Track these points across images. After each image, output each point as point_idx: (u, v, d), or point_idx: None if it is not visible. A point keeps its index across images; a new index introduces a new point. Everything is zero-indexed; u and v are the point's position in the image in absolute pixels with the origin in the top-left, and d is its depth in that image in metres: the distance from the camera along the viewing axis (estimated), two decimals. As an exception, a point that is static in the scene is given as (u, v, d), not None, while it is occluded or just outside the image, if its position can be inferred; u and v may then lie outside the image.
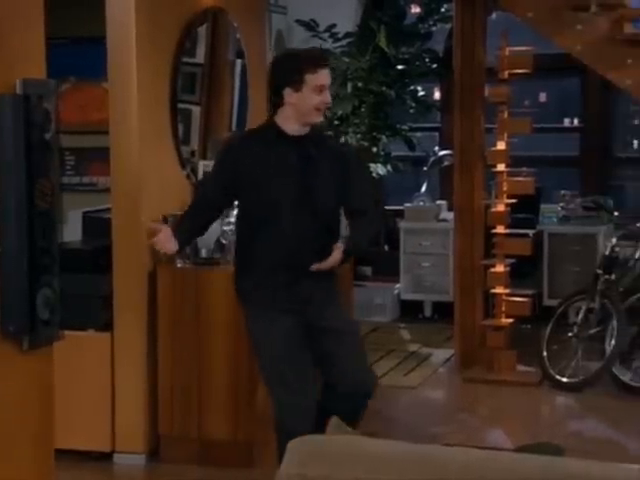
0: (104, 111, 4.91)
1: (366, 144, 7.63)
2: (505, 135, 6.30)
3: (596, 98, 8.46)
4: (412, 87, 7.80)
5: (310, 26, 7.58)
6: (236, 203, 4.04)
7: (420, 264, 8.00)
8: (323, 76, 3.71)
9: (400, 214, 8.12)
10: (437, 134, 8.78)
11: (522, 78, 6.46)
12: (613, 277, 6.19)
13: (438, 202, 8.21)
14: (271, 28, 7.34)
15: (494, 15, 7.65)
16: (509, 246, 6.33)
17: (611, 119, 8.81)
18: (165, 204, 4.81)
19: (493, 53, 6.36)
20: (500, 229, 6.32)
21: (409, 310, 8.07)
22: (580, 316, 6.20)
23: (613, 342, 5.93)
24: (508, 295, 6.39)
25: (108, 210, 4.89)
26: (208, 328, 4.64)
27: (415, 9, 7.79)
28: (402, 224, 8.06)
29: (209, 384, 4.64)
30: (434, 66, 7.75)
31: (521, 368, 6.37)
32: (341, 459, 2.23)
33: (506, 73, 6.22)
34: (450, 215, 7.29)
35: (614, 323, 5.98)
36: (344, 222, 4.07)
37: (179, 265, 4.77)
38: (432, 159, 8.20)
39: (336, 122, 7.59)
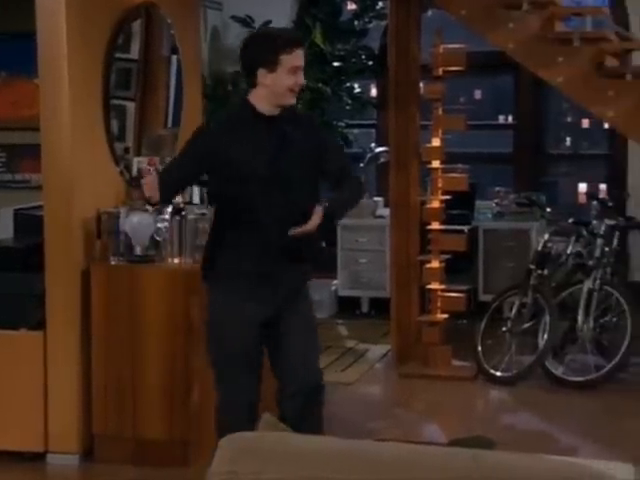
0: (35, 107, 4.84)
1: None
2: (440, 132, 6.35)
3: (529, 95, 8.57)
4: (348, 84, 7.82)
5: (246, 22, 7.56)
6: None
7: (357, 260, 8.03)
8: (298, 57, 3.64)
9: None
10: (374, 131, 8.83)
11: (457, 75, 6.52)
12: (545, 272, 6.28)
13: (375, 198, 8.25)
14: (206, 24, 7.31)
15: (429, 12, 7.71)
16: (444, 242, 6.39)
17: (544, 116, 8.93)
18: (98, 201, 4.77)
19: (428, 50, 6.40)
20: (435, 225, 6.37)
21: (346, 306, 8.10)
22: (514, 311, 6.28)
23: (546, 336, 6.02)
24: (443, 291, 6.45)
25: (40, 207, 4.83)
26: (143, 326, 4.61)
27: (351, 6, 7.81)
28: (339, 221, 8.05)
29: (144, 383, 4.60)
30: (370, 63, 7.78)
31: (456, 363, 6.43)
32: (272, 456, 2.23)
33: (440, 70, 6.27)
34: (386, 211, 7.33)
35: (546, 318, 6.06)
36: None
37: (113, 263, 4.73)
38: (368, 156, 8.23)
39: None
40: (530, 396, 5.84)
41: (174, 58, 5.76)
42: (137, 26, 5.36)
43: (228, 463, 2.24)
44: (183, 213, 4.73)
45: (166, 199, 3.96)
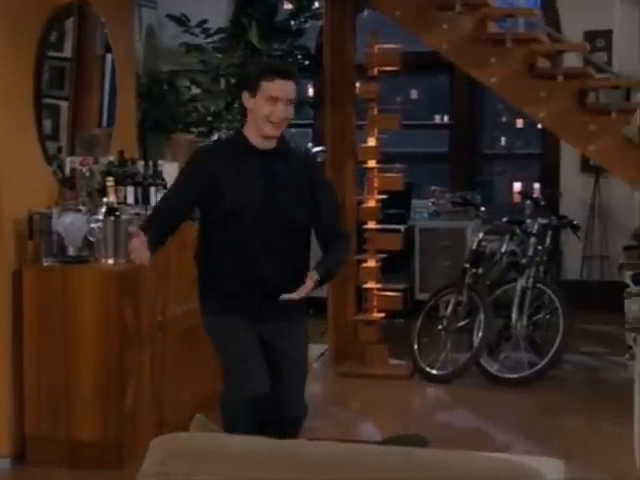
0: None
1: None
2: (375, 131, 6.38)
3: (464, 96, 8.66)
4: (284, 83, 7.80)
5: (181, 21, 7.52)
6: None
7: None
8: (279, 87, 3.52)
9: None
10: (310, 130, 8.84)
11: (393, 75, 6.55)
12: (480, 271, 6.35)
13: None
14: (141, 22, 7.25)
15: (365, 13, 7.75)
16: (380, 241, 6.42)
17: (479, 116, 9.03)
18: (30, 201, 4.69)
19: (364, 50, 6.43)
20: (372, 224, 6.40)
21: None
22: (449, 309, 6.34)
23: (480, 334, 6.08)
24: (380, 290, 6.48)
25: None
26: (76, 327, 4.55)
27: (287, 6, 7.81)
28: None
29: (77, 384, 4.55)
30: (306, 63, 7.79)
31: (393, 361, 6.47)
32: (203, 457, 2.22)
33: (375, 70, 6.29)
34: (323, 211, 7.32)
35: (481, 316, 6.12)
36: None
37: (45, 264, 4.66)
38: (305, 155, 8.23)
39: (209, 118, 7.54)
40: (465, 393, 5.90)
41: (108, 57, 5.70)
42: (70, 24, 5.29)
43: (159, 464, 2.22)
44: (117, 213, 4.68)
45: (157, 248, 3.74)
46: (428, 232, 7.96)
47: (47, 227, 4.66)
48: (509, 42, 5.83)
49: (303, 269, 3.67)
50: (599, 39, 7.46)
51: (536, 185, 8.84)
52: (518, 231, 6.55)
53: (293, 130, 8.56)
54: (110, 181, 4.69)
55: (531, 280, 6.21)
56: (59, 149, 5.24)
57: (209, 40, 7.53)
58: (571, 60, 6.72)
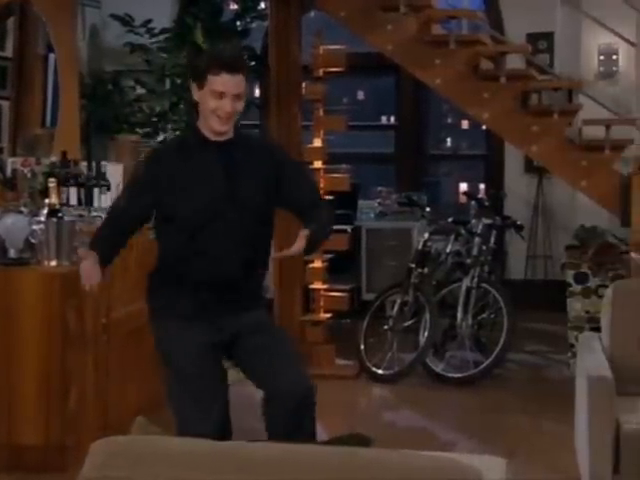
0: None
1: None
2: (321, 132, 6.39)
3: (410, 97, 8.71)
4: (231, 84, 7.78)
5: (125, 21, 7.46)
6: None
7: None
8: (224, 82, 3.33)
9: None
10: (257, 131, 8.83)
11: (339, 76, 6.57)
12: (426, 271, 6.38)
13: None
14: (84, 22, 7.18)
15: (312, 13, 7.75)
16: (327, 241, 6.41)
17: (425, 117, 9.08)
18: (-30, 203, 4.63)
19: (310, 51, 6.44)
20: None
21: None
22: (395, 309, 6.37)
23: (426, 334, 6.12)
24: (326, 290, 6.49)
25: None
26: (18, 330, 4.48)
27: (232, 6, 7.79)
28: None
29: (19, 387, 4.48)
30: (252, 63, 7.77)
31: (340, 362, 6.48)
32: (143, 459, 2.20)
33: (321, 71, 6.30)
34: (270, 212, 7.31)
35: (427, 315, 6.16)
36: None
37: (-14, 266, 4.59)
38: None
39: (154, 119, 7.50)
40: (411, 393, 5.93)
41: (51, 57, 5.64)
42: (11, 24, 5.23)
43: (99, 467, 2.20)
44: (59, 215, 4.62)
45: (109, 261, 3.60)
46: (374, 232, 7.99)
47: (-12, 229, 4.59)
48: (453, 44, 5.89)
49: (265, 260, 3.59)
50: (541, 41, 7.55)
51: (482, 186, 8.93)
52: (463, 231, 6.61)
53: (240, 131, 8.55)
54: (52, 182, 4.63)
55: (476, 280, 6.27)
56: (0, 150, 5.18)
57: (154, 40, 7.49)
58: (514, 62, 6.80)
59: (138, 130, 7.39)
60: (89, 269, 3.43)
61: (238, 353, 3.59)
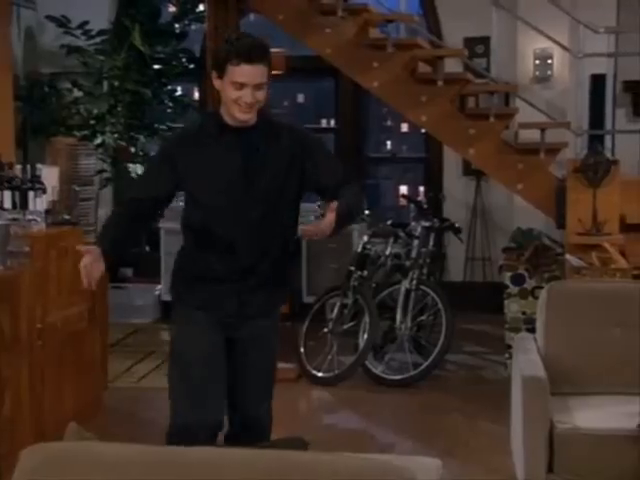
0: None
1: (124, 144, 7.52)
2: (260, 135, 6.37)
3: (350, 100, 8.73)
4: (170, 87, 7.75)
5: (61, 22, 7.38)
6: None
7: (179, 265, 7.96)
8: (244, 72, 3.25)
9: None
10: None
11: (280, 79, 6.55)
12: (365, 273, 6.41)
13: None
14: (20, 23, 7.09)
15: (252, 16, 7.75)
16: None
17: (365, 120, 9.12)
18: None
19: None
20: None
21: (170, 311, 8.00)
22: (335, 312, 6.38)
23: (366, 336, 6.13)
24: (266, 293, 6.46)
25: None
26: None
27: (171, 8, 7.75)
28: (162, 225, 7.99)
29: (-48, 395, 4.41)
30: (191, 66, 7.74)
31: (280, 365, 6.41)
32: (76, 465, 2.18)
33: (260, 74, 6.29)
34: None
35: (367, 318, 6.18)
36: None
37: None
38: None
39: (92, 121, 7.43)
40: (351, 395, 5.94)
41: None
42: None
43: (29, 474, 2.18)
44: (-7, 218, 4.56)
45: (119, 253, 3.56)
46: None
47: None
48: (390, 47, 5.93)
49: (287, 248, 3.52)
50: (478, 45, 7.63)
51: (421, 188, 8.99)
52: (402, 234, 6.64)
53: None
54: (-15, 186, 4.57)
55: (415, 282, 6.30)
56: None
57: (91, 42, 7.42)
58: (452, 66, 6.86)
59: (76, 133, 7.32)
60: (89, 266, 3.34)
61: (229, 355, 3.56)
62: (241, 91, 3.27)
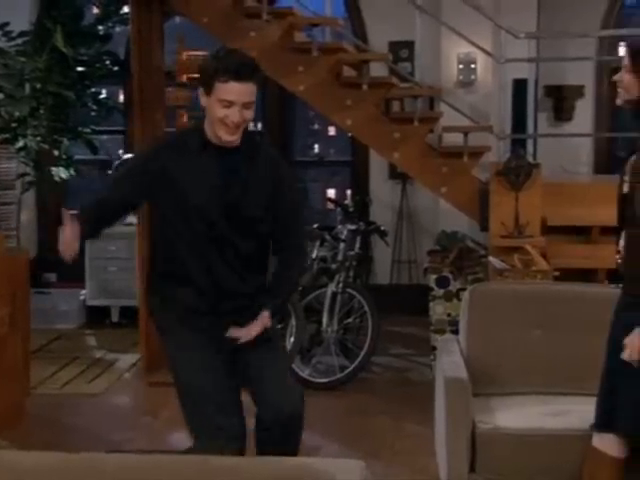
0: None
1: (47, 147, 7.41)
2: (185, 139, 6.33)
3: (277, 103, 8.72)
4: (94, 89, 7.66)
5: (-21, 24, 7.24)
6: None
7: (106, 269, 7.90)
8: (233, 91, 3.19)
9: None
10: (122, 137, 8.71)
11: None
12: (292, 276, 6.40)
13: (123, 206, 8.11)
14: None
15: (177, 19, 7.70)
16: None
17: (291, 123, 9.12)
18: None
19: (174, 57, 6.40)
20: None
21: (96, 316, 7.95)
22: (261, 315, 6.35)
23: (293, 339, 6.13)
24: (192, 297, 6.43)
25: None
26: None
27: (94, 10, 7.65)
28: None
29: None
30: (115, 69, 7.66)
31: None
32: (-10, 474, 2.15)
33: (184, 77, 6.27)
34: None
35: (293, 321, 6.18)
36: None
37: None
38: (116, 162, 8.11)
39: (14, 124, 7.30)
40: (277, 399, 5.92)
41: None
42: None
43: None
44: None
45: (90, 236, 3.43)
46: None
47: None
48: (315, 51, 5.95)
49: (262, 273, 3.48)
50: (403, 49, 7.70)
51: (348, 191, 9.03)
52: (328, 237, 6.66)
53: (105, 137, 8.43)
54: None
55: (341, 285, 6.32)
56: None
57: (12, 43, 7.29)
58: (378, 70, 6.91)
59: (-4, 136, 7.19)
60: (69, 238, 3.17)
61: (239, 365, 3.49)
62: (229, 109, 3.21)
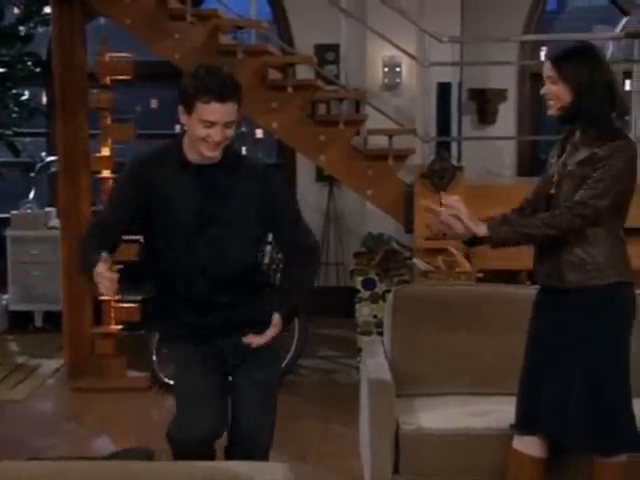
0: None
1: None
2: (109, 141, 6.27)
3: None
4: (15, 91, 7.53)
5: None
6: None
7: (30, 273, 7.78)
8: (215, 111, 3.17)
9: (6, 222, 7.85)
10: (45, 139, 8.59)
11: (130, 84, 6.47)
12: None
13: (47, 209, 8.02)
14: None
15: (102, 20, 7.61)
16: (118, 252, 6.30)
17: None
18: None
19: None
20: (107, 235, 6.28)
21: (19, 321, 7.82)
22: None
23: (295, 342, 6.21)
24: (117, 302, 6.37)
25: None
26: None
27: (15, 10, 7.52)
28: (8, 232, 7.78)
29: None
30: (37, 70, 7.54)
31: (132, 374, 6.38)
32: None
33: (108, 79, 6.19)
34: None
35: (296, 324, 6.22)
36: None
37: None
38: (39, 165, 8.00)
39: None
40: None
41: None
42: None
43: None
44: None
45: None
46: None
47: None
48: (240, 54, 5.93)
49: (252, 282, 3.49)
50: (329, 52, 7.71)
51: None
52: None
53: (27, 139, 8.29)
54: None
55: (267, 288, 6.31)
56: None
57: None
58: (304, 72, 6.92)
59: None
60: (110, 284, 3.18)
61: (232, 382, 3.53)
62: (210, 129, 3.20)
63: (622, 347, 3.41)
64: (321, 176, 8.11)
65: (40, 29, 7.47)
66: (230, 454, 3.55)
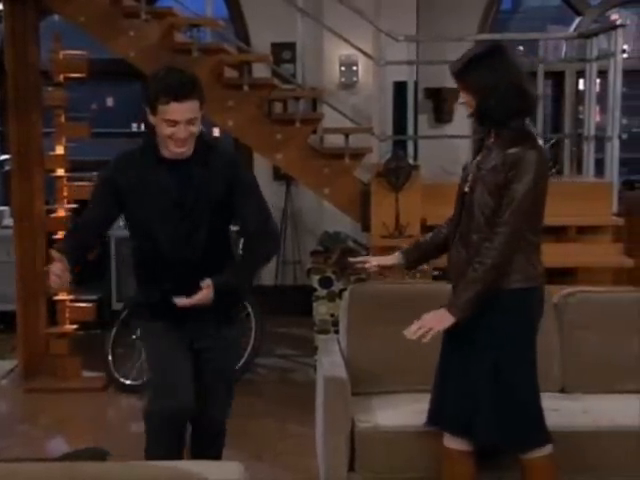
0: None
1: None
2: (63, 139, 6.22)
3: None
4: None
5: None
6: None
7: (-17, 273, 7.68)
8: (176, 111, 3.35)
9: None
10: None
11: (85, 82, 6.42)
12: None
13: (0, 208, 7.93)
14: None
15: (56, 17, 7.54)
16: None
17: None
18: None
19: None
20: (61, 234, 6.23)
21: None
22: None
23: (251, 340, 6.20)
24: (72, 301, 6.32)
25: None
26: None
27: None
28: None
29: None
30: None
31: (87, 374, 6.34)
32: None
33: (61, 77, 6.14)
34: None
35: (252, 321, 6.21)
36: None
37: None
38: (-7, 164, 7.93)
39: None
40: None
41: None
42: None
43: None
44: None
45: (80, 259, 3.62)
46: (124, 241, 7.84)
47: None
48: (196, 52, 5.91)
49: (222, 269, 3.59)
50: (286, 51, 7.71)
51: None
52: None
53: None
54: None
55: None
56: None
57: None
58: (261, 71, 6.91)
59: None
60: (60, 272, 3.37)
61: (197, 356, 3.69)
62: (174, 128, 3.38)
63: (529, 348, 3.46)
64: (278, 175, 8.11)
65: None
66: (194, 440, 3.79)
